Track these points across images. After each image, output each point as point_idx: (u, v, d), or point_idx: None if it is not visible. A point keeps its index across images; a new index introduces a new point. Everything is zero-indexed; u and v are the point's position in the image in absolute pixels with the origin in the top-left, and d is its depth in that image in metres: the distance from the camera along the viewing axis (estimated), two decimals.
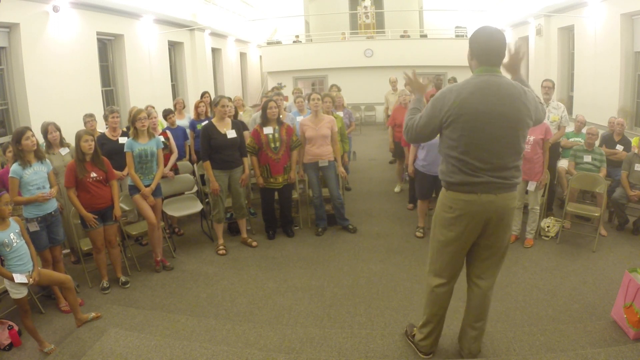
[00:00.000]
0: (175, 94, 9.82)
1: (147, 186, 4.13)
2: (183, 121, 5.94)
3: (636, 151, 4.85)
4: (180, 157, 5.27)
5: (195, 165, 5.54)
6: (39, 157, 3.55)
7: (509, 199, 2.28)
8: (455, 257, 2.41)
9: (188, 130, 5.76)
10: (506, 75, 2.31)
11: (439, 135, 2.36)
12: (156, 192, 4.24)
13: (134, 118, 4.05)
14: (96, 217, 3.72)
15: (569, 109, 8.15)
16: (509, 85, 2.19)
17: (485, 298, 2.45)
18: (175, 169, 5.03)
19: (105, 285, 3.89)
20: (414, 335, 2.72)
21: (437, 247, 2.45)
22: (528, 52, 10.38)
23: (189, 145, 5.71)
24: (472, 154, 2.20)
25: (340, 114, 6.04)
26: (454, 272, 2.46)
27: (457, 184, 2.27)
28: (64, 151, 4.25)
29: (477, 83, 2.18)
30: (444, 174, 2.34)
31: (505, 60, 2.32)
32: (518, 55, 2.44)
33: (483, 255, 2.41)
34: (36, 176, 3.48)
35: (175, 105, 6.31)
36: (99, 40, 7.10)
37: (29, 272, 2.99)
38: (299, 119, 5.53)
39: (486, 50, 2.20)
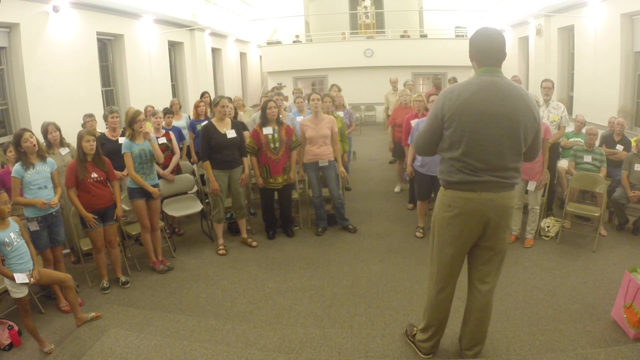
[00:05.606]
0: (175, 94, 9.82)
1: (153, 186, 4.13)
2: (180, 122, 5.94)
3: (636, 151, 4.85)
4: None
5: (195, 165, 5.54)
6: (42, 156, 3.55)
7: (508, 198, 2.27)
8: (454, 260, 2.38)
9: (187, 131, 5.75)
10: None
11: None
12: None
13: (132, 119, 4.03)
14: (96, 217, 3.72)
15: (569, 109, 8.15)
16: (510, 86, 2.18)
17: (487, 302, 2.42)
18: (178, 169, 5.02)
19: (105, 285, 3.89)
20: (415, 334, 2.72)
21: (437, 249, 2.43)
22: (528, 52, 10.39)
23: (188, 146, 5.71)
24: (474, 154, 2.18)
25: (340, 114, 6.04)
26: (453, 275, 2.43)
27: (456, 183, 2.26)
28: (64, 151, 4.25)
29: (479, 83, 2.18)
30: (443, 173, 2.33)
31: None
32: None
33: (484, 257, 2.38)
34: (38, 176, 3.49)
35: (171, 107, 6.31)
36: (99, 40, 7.10)
37: (29, 271, 3.00)
38: (299, 119, 5.53)
39: (484, 51, 2.21)
